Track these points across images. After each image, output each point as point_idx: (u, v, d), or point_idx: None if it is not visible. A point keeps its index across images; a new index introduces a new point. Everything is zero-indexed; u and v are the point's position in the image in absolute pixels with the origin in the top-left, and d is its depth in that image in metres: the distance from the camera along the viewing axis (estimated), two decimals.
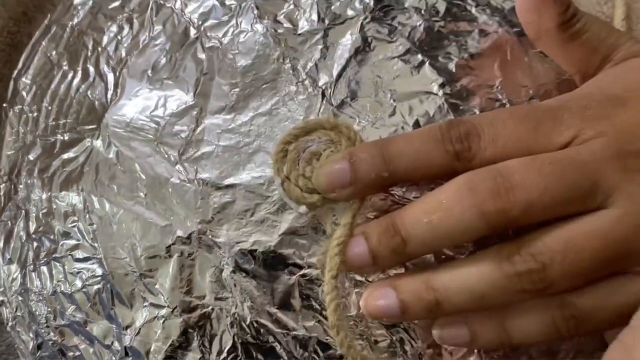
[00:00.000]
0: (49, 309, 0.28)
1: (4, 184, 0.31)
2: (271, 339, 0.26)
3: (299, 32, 0.28)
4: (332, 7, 0.29)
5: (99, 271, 0.27)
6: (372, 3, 0.29)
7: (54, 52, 0.32)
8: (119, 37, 0.30)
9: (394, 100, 0.27)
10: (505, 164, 0.22)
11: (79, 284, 0.28)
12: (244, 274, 0.26)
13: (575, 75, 0.28)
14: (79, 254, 0.28)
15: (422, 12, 0.29)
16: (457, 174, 0.23)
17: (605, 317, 0.23)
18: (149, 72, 0.29)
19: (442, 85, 0.28)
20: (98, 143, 0.28)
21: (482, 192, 0.21)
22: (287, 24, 0.28)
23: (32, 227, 0.29)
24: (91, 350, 0.28)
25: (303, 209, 0.26)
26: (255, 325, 0.26)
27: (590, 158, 0.22)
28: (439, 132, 0.23)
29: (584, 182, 0.22)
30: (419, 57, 0.28)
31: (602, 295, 0.23)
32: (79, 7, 0.32)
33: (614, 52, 0.26)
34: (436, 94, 0.28)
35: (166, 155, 0.27)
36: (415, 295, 0.23)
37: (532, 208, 0.21)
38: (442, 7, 0.29)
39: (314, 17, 0.28)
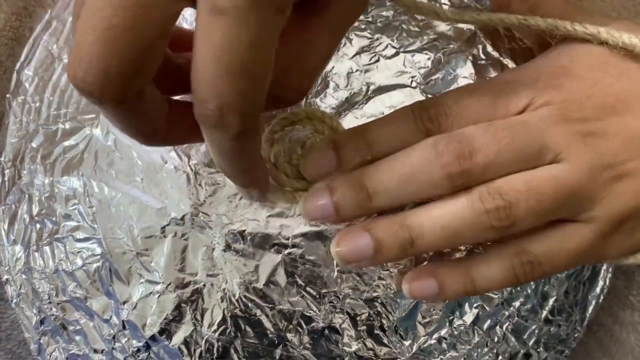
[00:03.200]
0: (51, 286, 0.30)
1: (8, 170, 0.32)
2: (258, 312, 0.28)
3: None
4: None
5: (98, 250, 0.29)
6: None
7: (54, 46, 0.33)
8: None
9: (371, 92, 0.29)
10: (466, 131, 0.24)
11: (79, 262, 0.29)
12: (234, 253, 0.28)
13: (534, 45, 0.30)
14: (80, 235, 0.29)
15: (400, 8, 0.31)
16: None
17: (556, 262, 0.25)
18: None
19: (418, 79, 0.30)
20: (97, 131, 0.30)
21: (448, 155, 0.23)
22: None
23: (35, 210, 0.31)
24: (91, 324, 0.30)
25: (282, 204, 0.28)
26: (244, 299, 0.28)
27: (539, 123, 0.24)
28: (411, 114, 0.25)
29: (533, 143, 0.24)
30: (396, 51, 0.30)
31: (553, 242, 0.25)
32: None
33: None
34: (412, 87, 0.30)
35: None
36: (389, 234, 0.24)
37: (490, 167, 0.24)
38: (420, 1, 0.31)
39: None
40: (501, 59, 0.31)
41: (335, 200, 0.24)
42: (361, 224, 0.25)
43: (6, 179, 0.32)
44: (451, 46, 0.31)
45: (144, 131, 0.21)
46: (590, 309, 0.33)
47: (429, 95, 0.30)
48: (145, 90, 0.19)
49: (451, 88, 0.30)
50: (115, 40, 0.17)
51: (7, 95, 0.33)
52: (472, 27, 0.31)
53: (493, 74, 0.31)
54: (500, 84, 0.26)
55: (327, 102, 0.29)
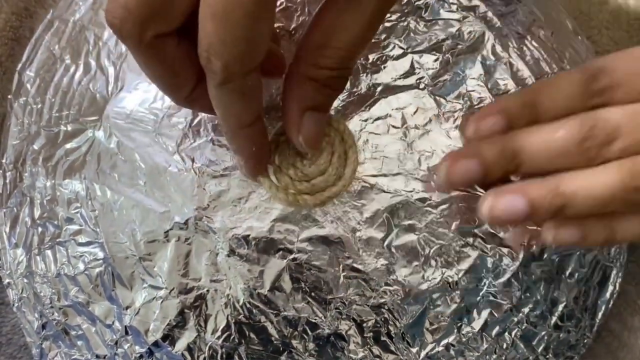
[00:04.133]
0: (53, 291, 0.30)
1: (9, 172, 0.32)
2: (263, 318, 0.28)
3: (291, 29, 0.30)
4: None
5: (101, 255, 0.29)
6: None
7: (56, 47, 0.33)
8: None
9: (377, 93, 0.29)
10: (613, 118, 0.24)
11: (81, 266, 0.29)
12: (238, 258, 0.27)
13: None
14: (82, 239, 0.29)
15: (407, 9, 0.30)
16: None
17: None
18: None
19: (425, 80, 0.29)
20: (100, 133, 0.30)
21: (593, 140, 0.24)
22: (280, 23, 0.30)
23: (37, 213, 0.30)
24: (93, 329, 0.29)
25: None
26: (248, 305, 0.27)
27: None
28: (580, 84, 0.25)
29: None
30: (403, 52, 0.29)
31: None
32: (80, 3, 0.33)
33: None
34: (420, 88, 0.29)
35: (164, 146, 0.28)
36: (543, 200, 0.24)
37: (627, 151, 0.24)
38: (425, 4, 0.31)
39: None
40: (510, 59, 0.31)
41: (484, 162, 0.24)
42: (515, 186, 0.25)
43: (7, 181, 0.32)
44: (459, 47, 0.30)
45: (166, 82, 0.23)
46: (600, 314, 0.33)
47: (437, 97, 0.29)
48: (168, 40, 0.21)
49: (460, 90, 0.29)
50: None
51: (9, 97, 0.33)
52: (480, 27, 0.31)
53: (503, 74, 0.30)
54: None
55: (333, 104, 0.28)
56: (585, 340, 0.32)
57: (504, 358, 0.29)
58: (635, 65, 0.25)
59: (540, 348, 0.30)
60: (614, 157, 0.24)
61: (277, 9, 0.28)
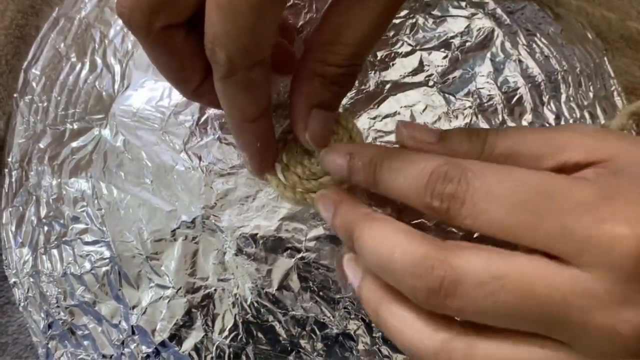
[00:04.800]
0: (59, 290, 0.29)
1: (15, 171, 0.31)
2: (271, 318, 0.27)
3: (299, 26, 0.29)
4: None
5: (107, 254, 0.28)
6: None
7: (62, 44, 0.32)
8: (125, 30, 0.31)
9: (386, 91, 0.28)
10: (461, 264, 0.19)
11: (88, 266, 0.29)
12: (246, 257, 0.27)
13: None
14: (88, 238, 0.29)
15: (416, 5, 0.30)
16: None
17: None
18: None
19: (434, 77, 0.29)
20: (106, 132, 0.29)
21: (424, 282, 0.19)
22: (288, 20, 0.29)
23: (43, 212, 0.30)
24: (99, 329, 0.29)
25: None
26: (256, 305, 0.27)
27: (579, 300, 0.18)
28: (426, 176, 0.21)
29: (545, 320, 0.19)
30: (412, 48, 0.29)
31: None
32: (86, 1, 0.33)
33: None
34: (429, 86, 0.29)
35: (171, 144, 0.28)
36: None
37: (462, 314, 0.20)
38: (433, 0, 0.30)
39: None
40: (520, 56, 0.30)
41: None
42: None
43: (13, 180, 0.31)
44: (468, 44, 0.30)
45: (174, 73, 0.23)
46: None
47: (446, 95, 0.29)
48: (176, 31, 0.21)
49: (469, 87, 0.29)
50: None
51: (15, 95, 0.33)
52: (490, 24, 0.30)
53: (513, 72, 0.30)
54: (557, 202, 0.19)
55: (342, 102, 0.28)
56: None
57: None
58: (497, 186, 0.19)
59: None
60: (457, 314, 0.19)
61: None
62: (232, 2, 0.19)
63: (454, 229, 0.26)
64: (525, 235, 0.19)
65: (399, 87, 0.29)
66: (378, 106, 0.28)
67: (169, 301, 0.28)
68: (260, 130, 0.24)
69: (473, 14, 0.31)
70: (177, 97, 0.29)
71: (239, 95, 0.22)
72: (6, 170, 0.32)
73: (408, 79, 0.29)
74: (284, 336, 0.27)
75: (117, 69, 0.31)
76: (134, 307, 0.28)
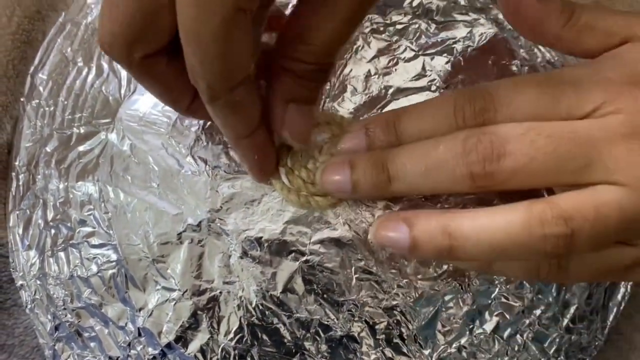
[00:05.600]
0: (66, 292, 0.30)
1: (22, 175, 0.32)
2: (275, 320, 0.28)
3: None
4: None
5: (114, 257, 0.29)
6: None
7: (69, 49, 0.33)
8: None
9: (389, 95, 0.29)
10: (502, 130, 0.22)
11: (94, 268, 0.29)
12: (251, 260, 0.28)
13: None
14: (95, 241, 0.29)
15: (419, 11, 0.30)
16: None
17: (584, 275, 0.24)
18: None
19: (437, 82, 0.29)
20: (113, 136, 0.30)
21: (475, 154, 0.22)
22: None
23: (50, 215, 0.30)
24: (106, 331, 0.29)
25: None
26: (261, 307, 0.28)
27: (598, 133, 0.22)
28: (451, 106, 0.23)
29: (579, 157, 0.21)
30: (415, 54, 0.29)
31: (590, 258, 0.23)
32: (92, 6, 0.34)
33: (633, 33, 0.25)
34: (432, 91, 0.29)
35: (177, 148, 0.29)
36: (428, 236, 0.22)
37: (517, 176, 0.22)
38: (436, 6, 0.31)
39: None
40: (522, 61, 0.31)
41: (354, 178, 0.24)
42: (403, 215, 0.23)
43: (20, 183, 0.32)
44: (471, 49, 0.30)
45: (163, 96, 0.24)
46: (611, 316, 0.33)
47: None
48: (157, 58, 0.22)
49: None
50: (118, 6, 0.20)
51: (21, 99, 0.33)
52: (493, 29, 0.31)
53: (515, 77, 0.30)
54: (567, 80, 0.23)
55: (345, 107, 0.29)
56: (597, 343, 0.32)
57: (515, 359, 0.29)
58: (516, 88, 0.23)
59: (552, 350, 0.30)
60: (509, 183, 0.22)
61: None
62: (198, 34, 0.19)
63: None
64: (552, 113, 0.22)
65: (402, 91, 0.29)
66: (381, 110, 0.29)
67: (175, 303, 0.28)
68: (256, 144, 0.24)
69: (475, 20, 0.31)
70: None
71: (227, 117, 0.22)
72: (13, 173, 0.32)
73: (411, 84, 0.29)
74: (289, 338, 0.28)
75: (124, 73, 0.31)
76: (140, 310, 0.28)
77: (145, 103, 0.30)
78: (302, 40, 0.22)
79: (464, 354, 0.29)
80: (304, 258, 0.27)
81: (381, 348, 0.28)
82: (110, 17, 0.20)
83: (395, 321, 0.28)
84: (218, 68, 0.20)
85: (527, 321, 0.29)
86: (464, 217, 0.22)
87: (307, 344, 0.28)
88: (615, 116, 0.22)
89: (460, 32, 0.30)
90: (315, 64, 0.23)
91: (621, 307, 0.33)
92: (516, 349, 0.29)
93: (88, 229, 0.29)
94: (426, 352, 0.28)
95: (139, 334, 0.29)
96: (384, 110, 0.29)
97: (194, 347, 0.28)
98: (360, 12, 0.22)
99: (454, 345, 0.28)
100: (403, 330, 0.28)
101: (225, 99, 0.21)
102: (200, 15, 0.18)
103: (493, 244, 0.22)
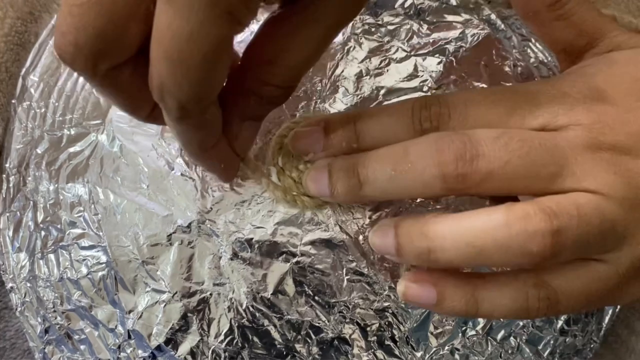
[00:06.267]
0: (56, 295, 0.30)
1: (13, 177, 0.32)
2: (266, 322, 0.27)
3: None
4: None
5: (104, 258, 0.29)
6: None
7: None
8: None
9: (381, 96, 0.28)
10: (476, 132, 0.22)
11: (84, 270, 0.29)
12: (241, 261, 0.27)
13: (559, 54, 0.28)
14: (85, 242, 0.29)
15: (410, 12, 0.30)
16: None
17: (573, 302, 0.23)
18: None
19: (429, 83, 0.29)
20: (103, 137, 0.30)
21: (447, 154, 0.21)
22: None
23: (40, 217, 0.30)
24: (96, 333, 0.29)
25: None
26: (251, 309, 0.27)
27: (563, 143, 0.22)
28: (409, 110, 0.23)
29: (551, 163, 0.21)
30: (406, 54, 0.29)
31: (578, 280, 0.22)
32: None
33: (599, 38, 0.26)
34: (424, 91, 0.29)
35: (167, 149, 0.28)
36: (409, 240, 0.22)
37: (491, 178, 0.21)
38: (428, 7, 0.31)
39: None
40: (514, 61, 0.31)
41: (332, 182, 0.24)
42: (391, 221, 0.23)
43: (11, 185, 0.32)
44: (463, 49, 0.30)
45: (124, 106, 0.22)
46: (607, 319, 0.32)
47: None
48: (123, 68, 0.20)
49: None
50: (83, 15, 0.18)
51: (13, 101, 0.33)
52: (485, 30, 0.31)
53: (507, 77, 0.30)
54: (521, 93, 0.23)
55: (337, 107, 0.28)
56: (592, 345, 0.32)
57: None
58: (470, 95, 0.23)
59: (547, 352, 0.30)
60: (483, 187, 0.21)
61: None
62: (184, 56, 0.18)
63: None
64: (505, 123, 0.23)
65: (393, 92, 0.29)
66: None
67: (165, 305, 0.28)
68: (221, 153, 0.24)
69: (467, 20, 0.31)
70: None
71: (194, 134, 0.22)
72: (4, 175, 0.32)
73: (403, 85, 0.29)
74: (280, 340, 0.27)
75: None
76: (130, 312, 0.28)
77: None
78: (276, 63, 0.21)
79: (456, 356, 0.28)
80: (295, 259, 0.27)
81: (373, 350, 0.28)
82: (74, 25, 0.18)
83: (387, 323, 0.27)
84: (198, 89, 0.19)
85: (521, 323, 0.29)
86: (444, 219, 0.22)
87: (298, 346, 0.27)
88: (574, 127, 0.22)
89: (452, 32, 0.30)
90: (281, 88, 0.22)
91: (616, 310, 0.32)
92: (510, 351, 0.29)
93: (78, 231, 0.29)
94: (418, 354, 0.28)
95: (129, 337, 0.28)
96: None
97: (184, 349, 0.28)
98: (335, 32, 0.22)
99: (446, 348, 0.28)
100: (395, 332, 0.28)
101: (194, 118, 0.20)
102: (194, 35, 0.17)
103: (472, 242, 0.21)
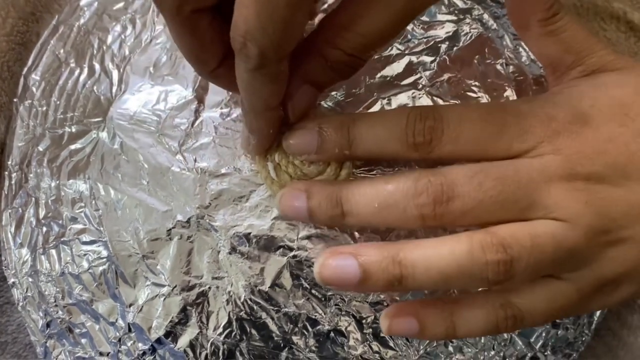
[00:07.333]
0: (58, 289, 0.30)
1: (15, 174, 0.32)
2: (264, 315, 0.28)
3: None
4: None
5: (104, 253, 0.29)
6: None
7: (61, 50, 0.33)
8: (123, 36, 0.32)
9: (376, 93, 0.29)
10: (452, 171, 0.23)
11: (85, 265, 0.29)
12: (239, 255, 0.28)
13: (547, 67, 0.29)
14: (86, 238, 0.30)
15: None
16: (413, 159, 0.25)
17: (537, 318, 0.25)
18: (151, 69, 0.31)
19: (423, 81, 0.30)
20: (103, 135, 0.30)
21: (426, 197, 0.23)
22: None
23: (42, 213, 0.31)
24: (97, 327, 0.30)
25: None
26: (249, 302, 0.28)
27: (537, 176, 0.23)
28: (404, 121, 0.24)
29: (523, 199, 0.23)
30: (401, 52, 0.30)
31: (540, 299, 0.25)
32: (85, 8, 0.34)
33: (587, 56, 0.27)
34: (418, 89, 0.30)
35: (167, 146, 0.29)
36: (378, 267, 0.23)
37: (467, 216, 0.23)
38: None
39: None
40: (506, 60, 0.31)
41: (311, 206, 0.25)
42: (351, 248, 0.24)
43: (13, 182, 0.32)
44: (456, 48, 0.31)
45: (194, 54, 0.23)
46: (598, 313, 0.33)
47: (435, 98, 0.30)
48: (203, 15, 0.21)
49: (457, 90, 0.30)
50: None
51: (14, 100, 0.34)
52: (478, 29, 0.31)
53: (500, 75, 0.31)
54: (512, 115, 0.24)
55: (331, 104, 0.29)
56: (584, 338, 0.32)
57: (502, 354, 0.30)
58: (465, 111, 0.24)
59: (539, 345, 0.30)
60: (457, 222, 0.23)
61: None
62: (274, 2, 0.19)
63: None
64: (494, 143, 0.24)
65: (388, 89, 0.29)
66: (368, 109, 0.29)
67: (164, 299, 0.28)
68: (277, 118, 0.25)
69: (461, 19, 0.31)
70: (172, 100, 0.30)
71: (265, 87, 0.22)
72: (6, 172, 0.33)
73: (397, 83, 0.30)
74: (277, 332, 0.28)
75: (115, 74, 0.31)
76: (130, 305, 0.29)
77: (136, 102, 0.30)
78: (349, 28, 0.22)
79: (450, 348, 0.29)
80: (292, 253, 0.28)
81: (368, 342, 0.28)
82: None
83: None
84: (281, 35, 0.19)
85: None
86: (412, 247, 0.23)
87: (295, 338, 0.28)
88: (553, 157, 0.24)
89: (446, 32, 0.31)
90: (351, 56, 0.23)
91: None
92: (502, 343, 0.30)
93: (79, 226, 0.30)
94: (413, 346, 0.28)
95: (129, 330, 0.29)
96: (369, 110, 0.29)
97: (183, 342, 0.28)
98: (412, 11, 0.22)
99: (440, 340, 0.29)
100: None
101: (272, 68, 0.21)
102: None
103: (441, 271, 0.23)
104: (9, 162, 0.33)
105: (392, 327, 0.25)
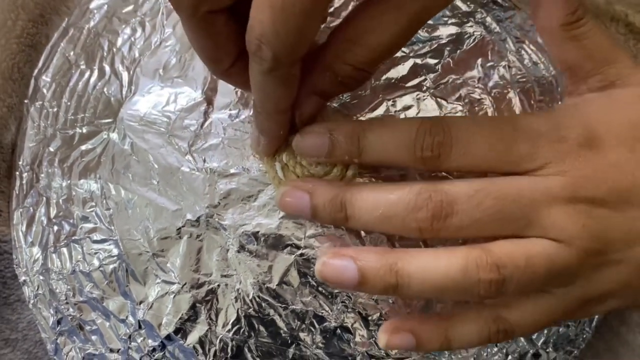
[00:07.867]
0: (69, 287, 0.31)
1: (26, 174, 0.33)
2: (272, 312, 0.28)
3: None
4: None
5: (115, 251, 0.30)
6: None
7: (72, 53, 0.34)
8: (133, 39, 0.33)
9: (381, 95, 0.30)
10: (453, 188, 0.24)
11: (96, 263, 0.30)
12: (248, 254, 0.28)
13: (564, 71, 0.28)
14: (97, 236, 0.30)
15: None
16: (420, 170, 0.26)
17: (526, 330, 0.26)
18: (161, 71, 0.31)
19: (427, 83, 0.30)
20: (114, 135, 0.31)
21: (425, 212, 0.24)
22: None
23: (53, 212, 0.31)
24: (107, 324, 0.30)
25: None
26: (257, 299, 0.28)
27: (539, 196, 0.24)
28: (413, 134, 0.24)
29: (521, 218, 0.24)
30: (405, 55, 0.31)
31: (529, 314, 0.26)
32: (95, 11, 0.35)
33: (607, 65, 0.27)
34: (422, 91, 0.30)
35: (177, 147, 0.30)
36: (376, 274, 0.24)
37: (461, 232, 0.24)
38: None
39: None
40: (509, 63, 0.32)
41: (315, 206, 0.25)
42: (352, 251, 0.25)
43: (24, 182, 0.33)
44: (459, 51, 0.31)
45: (208, 54, 0.24)
46: None
47: (439, 99, 0.30)
48: (218, 15, 0.22)
49: (460, 92, 0.30)
50: None
51: (25, 101, 0.34)
52: (480, 32, 0.32)
53: (503, 77, 0.31)
54: (522, 133, 0.24)
55: (337, 105, 0.30)
56: (585, 335, 0.33)
57: (504, 351, 0.30)
58: (476, 128, 0.24)
59: (540, 342, 0.31)
60: (454, 236, 0.24)
61: None
62: (287, 3, 0.19)
63: None
64: (501, 160, 0.24)
65: (392, 92, 0.30)
66: (373, 110, 0.30)
67: (174, 296, 0.29)
68: (287, 120, 0.25)
69: (464, 23, 0.32)
70: (182, 102, 0.30)
71: (277, 89, 0.23)
72: (17, 172, 0.33)
73: (402, 84, 0.30)
74: (285, 329, 0.29)
75: (125, 75, 0.32)
76: (140, 303, 0.29)
77: (146, 104, 0.31)
78: (358, 42, 0.22)
79: None
80: (299, 251, 0.28)
81: (374, 339, 0.29)
82: None
83: (387, 312, 0.28)
84: (294, 39, 0.20)
85: None
86: (410, 257, 0.24)
87: (302, 335, 0.29)
88: (559, 178, 0.24)
89: (449, 34, 0.32)
90: (360, 70, 0.23)
91: None
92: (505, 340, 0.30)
93: (90, 225, 0.30)
94: None
95: (140, 327, 0.29)
96: (375, 111, 0.30)
97: (192, 338, 0.29)
98: (417, 25, 0.23)
99: None
100: None
101: (284, 71, 0.21)
102: None
103: (435, 284, 0.24)
104: (20, 162, 0.33)
105: (390, 342, 0.26)
